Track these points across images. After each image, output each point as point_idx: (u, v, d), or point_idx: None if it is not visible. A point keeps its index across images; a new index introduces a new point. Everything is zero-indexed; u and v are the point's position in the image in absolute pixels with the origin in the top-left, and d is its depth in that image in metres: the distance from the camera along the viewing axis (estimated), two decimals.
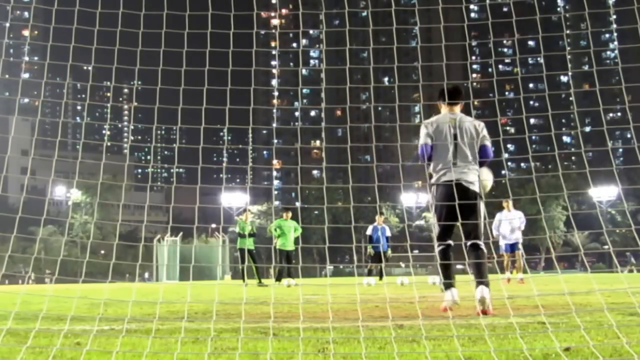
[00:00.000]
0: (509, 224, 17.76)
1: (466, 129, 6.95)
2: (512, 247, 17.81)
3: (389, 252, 21.37)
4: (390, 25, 6.03)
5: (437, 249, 6.84)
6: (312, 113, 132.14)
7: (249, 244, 20.11)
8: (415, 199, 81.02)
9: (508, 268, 17.97)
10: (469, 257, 6.62)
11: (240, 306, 7.23)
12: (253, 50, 6.34)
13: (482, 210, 6.83)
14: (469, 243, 6.62)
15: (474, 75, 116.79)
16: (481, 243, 6.69)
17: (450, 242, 6.83)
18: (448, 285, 6.61)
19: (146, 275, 62.90)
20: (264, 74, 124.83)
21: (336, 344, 4.20)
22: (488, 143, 7.14)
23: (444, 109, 7.19)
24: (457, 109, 7.17)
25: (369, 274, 20.03)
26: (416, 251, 66.75)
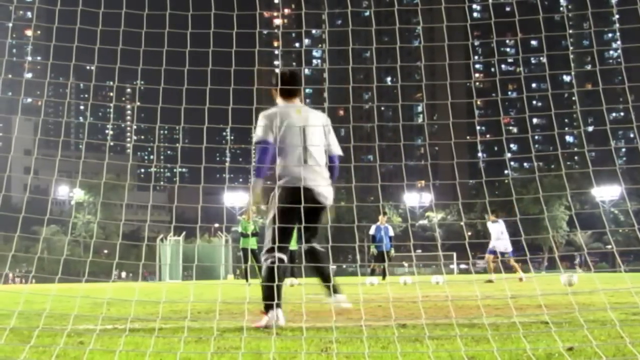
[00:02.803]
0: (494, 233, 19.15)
1: (314, 124, 6.09)
2: (502, 254, 19.39)
3: (392, 251, 21.38)
4: (392, 25, 6.02)
5: (267, 262, 5.74)
6: None
7: (252, 243, 20.13)
8: (418, 198, 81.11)
9: (491, 270, 18.98)
10: (308, 261, 5.98)
11: (243, 305, 7.24)
12: (256, 50, 6.36)
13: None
14: (306, 248, 5.97)
15: (477, 74, 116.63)
16: (316, 245, 6.00)
17: (284, 256, 5.80)
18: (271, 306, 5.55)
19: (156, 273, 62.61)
20: (266, 74, 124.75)
21: (339, 343, 4.20)
22: (337, 150, 6.25)
23: (280, 99, 6.21)
24: (297, 100, 6.25)
25: (372, 273, 20.04)
26: (419, 251, 66.79)
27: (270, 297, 5.47)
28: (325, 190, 6.02)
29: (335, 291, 5.87)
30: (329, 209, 6.13)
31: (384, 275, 20.42)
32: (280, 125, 5.93)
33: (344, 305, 5.92)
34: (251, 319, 5.66)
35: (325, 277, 5.99)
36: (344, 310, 6.12)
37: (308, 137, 6.00)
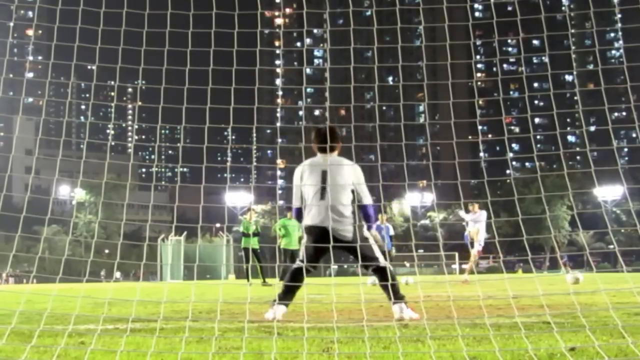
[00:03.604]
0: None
1: (339, 172, 6.42)
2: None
3: (393, 251, 21.35)
4: (394, 25, 6.01)
5: (294, 266, 6.54)
6: (316, 112, 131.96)
7: (254, 243, 20.10)
8: (420, 198, 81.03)
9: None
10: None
11: (245, 305, 7.23)
12: (257, 49, 6.34)
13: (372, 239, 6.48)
14: (370, 269, 6.39)
15: (479, 74, 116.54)
16: (380, 264, 6.32)
17: (311, 269, 6.50)
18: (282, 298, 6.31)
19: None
20: (268, 74, 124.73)
21: (340, 343, 4.19)
22: (367, 200, 6.55)
23: (319, 153, 6.66)
24: (333, 154, 6.61)
25: None
26: (421, 250, 66.68)
27: (282, 294, 6.27)
28: (339, 228, 6.27)
29: (400, 299, 6.10)
30: None
31: None
32: (305, 172, 6.52)
33: (411, 316, 5.99)
34: (252, 319, 5.66)
35: (389, 295, 6.13)
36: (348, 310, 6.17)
37: (328, 178, 6.34)
